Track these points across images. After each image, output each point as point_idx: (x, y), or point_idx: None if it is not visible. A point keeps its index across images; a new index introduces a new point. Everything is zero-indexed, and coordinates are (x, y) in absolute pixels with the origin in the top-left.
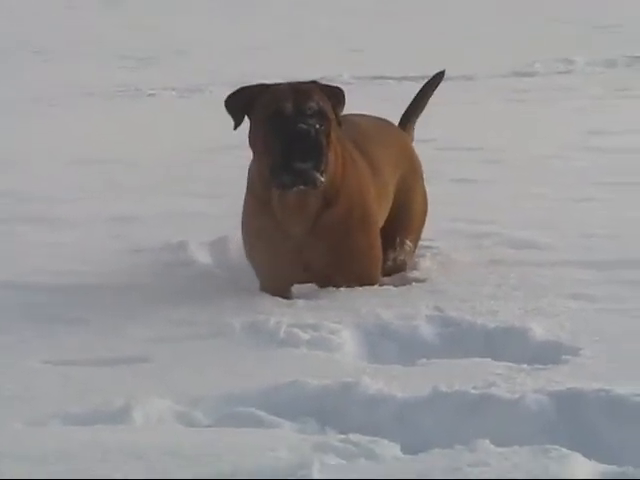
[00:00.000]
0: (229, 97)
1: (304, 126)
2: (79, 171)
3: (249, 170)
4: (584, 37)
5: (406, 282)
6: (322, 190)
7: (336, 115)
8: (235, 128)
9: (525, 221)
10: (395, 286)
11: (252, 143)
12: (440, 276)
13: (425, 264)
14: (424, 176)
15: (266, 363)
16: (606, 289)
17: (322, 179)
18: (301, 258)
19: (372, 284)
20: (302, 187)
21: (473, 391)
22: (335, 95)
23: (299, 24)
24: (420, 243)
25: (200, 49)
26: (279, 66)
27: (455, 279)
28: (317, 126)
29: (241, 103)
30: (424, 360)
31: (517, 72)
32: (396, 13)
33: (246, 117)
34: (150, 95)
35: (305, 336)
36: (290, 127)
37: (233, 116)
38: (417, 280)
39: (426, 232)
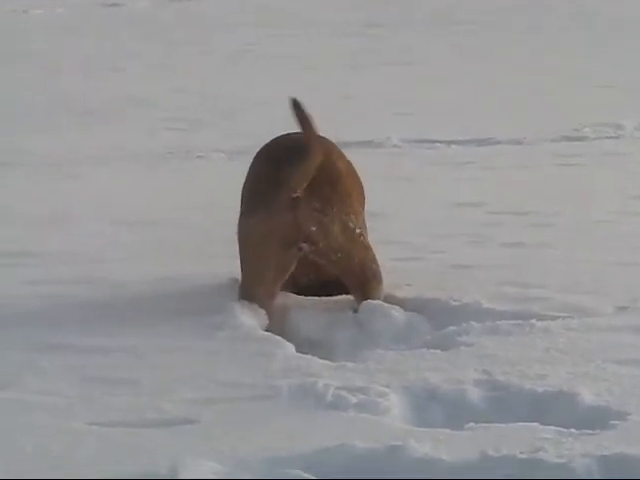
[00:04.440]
0: None
1: None
2: (125, 232)
3: None
4: (632, 102)
5: (454, 346)
6: None
7: None
8: None
9: (574, 285)
10: (443, 350)
11: None
12: (488, 340)
13: (473, 328)
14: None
15: (313, 426)
16: None
17: None
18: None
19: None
20: None
21: (521, 455)
22: None
23: (348, 86)
24: (469, 305)
25: (249, 111)
26: (327, 128)
27: (503, 343)
28: None
29: None
30: (472, 424)
31: (566, 136)
32: (444, 77)
33: None
34: (199, 157)
35: (353, 399)
36: None
37: None
38: (465, 344)
39: (475, 295)
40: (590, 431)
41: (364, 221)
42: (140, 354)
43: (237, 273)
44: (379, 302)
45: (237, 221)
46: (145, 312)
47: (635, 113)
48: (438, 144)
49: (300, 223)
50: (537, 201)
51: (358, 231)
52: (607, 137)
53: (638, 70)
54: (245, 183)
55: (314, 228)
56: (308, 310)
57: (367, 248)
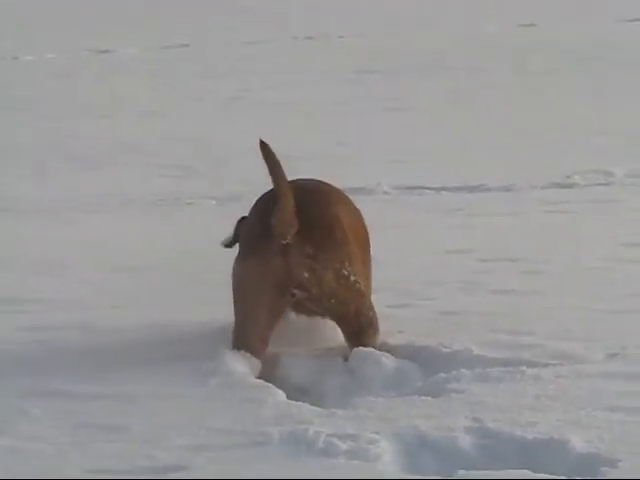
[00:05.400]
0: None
1: None
2: (117, 278)
3: None
4: (622, 148)
5: (445, 393)
6: None
7: None
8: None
9: (564, 332)
10: (434, 397)
11: None
12: (479, 387)
13: (464, 375)
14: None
15: (304, 473)
16: None
17: None
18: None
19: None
20: None
21: None
22: None
23: (340, 133)
24: (459, 352)
25: (241, 158)
26: (319, 173)
27: (494, 390)
28: None
29: None
30: (462, 471)
31: (556, 183)
32: (434, 123)
33: None
34: (189, 204)
35: (344, 446)
36: None
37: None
38: (456, 391)
39: (466, 342)
40: (581, 478)
41: (370, 268)
42: (132, 400)
43: (229, 320)
44: (370, 349)
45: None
46: (137, 358)
47: (625, 160)
48: (428, 191)
49: (291, 269)
50: (527, 248)
51: (353, 278)
52: (597, 184)
53: (630, 116)
54: (243, 231)
55: (306, 275)
56: (299, 357)
57: (363, 296)
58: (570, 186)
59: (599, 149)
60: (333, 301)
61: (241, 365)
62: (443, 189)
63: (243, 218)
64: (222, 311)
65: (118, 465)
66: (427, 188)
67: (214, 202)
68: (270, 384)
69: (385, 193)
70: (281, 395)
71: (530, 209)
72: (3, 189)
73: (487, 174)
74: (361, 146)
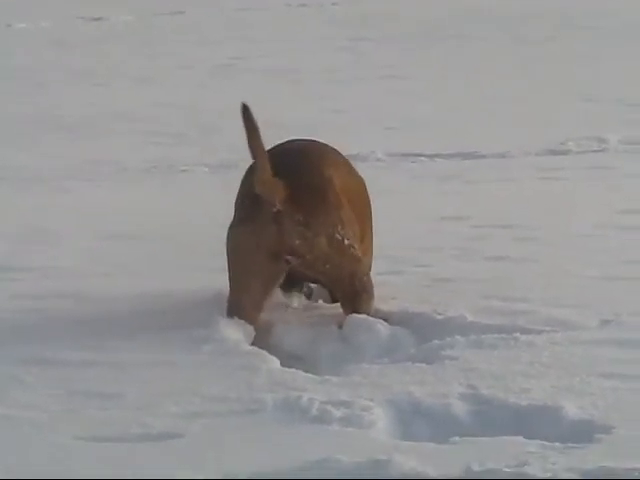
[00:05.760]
0: None
1: None
2: (110, 246)
3: None
4: (617, 115)
5: (439, 359)
6: None
7: None
8: None
9: (558, 299)
10: (428, 364)
11: None
12: (473, 354)
13: (458, 341)
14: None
15: (298, 440)
16: (639, 368)
17: None
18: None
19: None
20: None
21: (506, 469)
22: None
23: (333, 100)
24: (453, 319)
25: (233, 126)
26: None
27: (488, 357)
28: None
29: None
30: (457, 438)
31: (551, 150)
32: (429, 91)
33: None
34: (182, 171)
35: (337, 413)
36: None
37: None
38: (450, 358)
39: (460, 308)
40: (575, 445)
41: (371, 234)
42: (125, 368)
43: (222, 287)
44: (364, 316)
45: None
46: (130, 326)
47: (619, 126)
48: (422, 158)
49: (283, 236)
50: (521, 215)
51: (347, 242)
52: (591, 151)
53: (623, 83)
54: (236, 197)
55: (298, 241)
56: (293, 324)
57: (358, 260)
58: (564, 153)
59: (593, 116)
60: (327, 266)
61: (235, 332)
62: (437, 156)
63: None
64: (216, 279)
65: (111, 432)
66: (421, 155)
67: (207, 169)
68: (264, 351)
69: (379, 160)
70: (275, 362)
71: (524, 176)
72: None
73: (481, 141)
74: (355, 113)
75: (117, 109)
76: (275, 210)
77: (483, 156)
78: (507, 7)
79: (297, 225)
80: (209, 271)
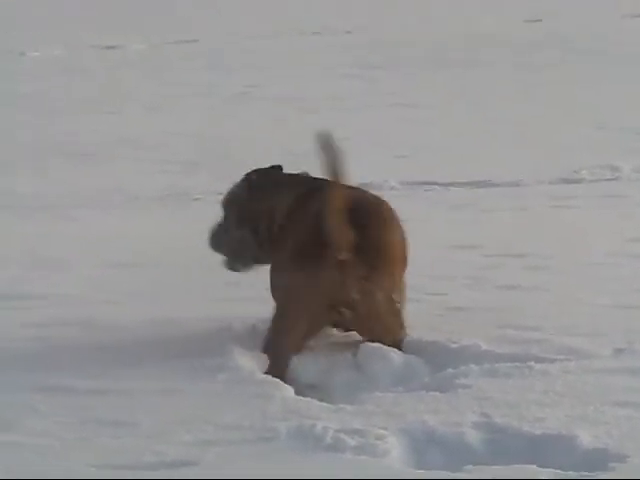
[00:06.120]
0: None
1: None
2: (122, 274)
3: None
4: (629, 143)
5: (453, 388)
6: None
7: None
8: None
9: (571, 328)
10: (442, 392)
11: None
12: (487, 382)
13: (472, 370)
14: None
15: (312, 468)
16: None
17: None
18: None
19: None
20: None
21: None
22: None
23: (345, 127)
24: (467, 348)
25: (246, 153)
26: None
27: (502, 385)
28: None
29: None
30: (470, 466)
31: (563, 178)
32: (439, 118)
33: None
34: (195, 200)
35: (351, 442)
36: None
37: None
38: (464, 386)
39: (473, 337)
40: (589, 474)
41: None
42: (138, 396)
43: (231, 315)
44: (378, 345)
45: (272, 270)
46: (143, 354)
47: (632, 155)
48: (436, 186)
49: (345, 287)
50: (534, 243)
51: (398, 307)
52: (604, 179)
53: (628, 109)
54: (284, 232)
55: (357, 296)
56: (307, 353)
57: (403, 327)
58: (577, 181)
59: (606, 144)
60: (377, 326)
61: (248, 361)
62: (451, 185)
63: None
64: (228, 308)
65: (125, 460)
66: (435, 183)
67: (220, 197)
68: (277, 380)
69: (393, 189)
70: (289, 390)
71: (537, 204)
72: (5, 185)
73: (494, 169)
74: (365, 141)
75: (128, 136)
76: (340, 259)
77: (496, 184)
78: (511, 33)
79: (359, 278)
80: (218, 300)
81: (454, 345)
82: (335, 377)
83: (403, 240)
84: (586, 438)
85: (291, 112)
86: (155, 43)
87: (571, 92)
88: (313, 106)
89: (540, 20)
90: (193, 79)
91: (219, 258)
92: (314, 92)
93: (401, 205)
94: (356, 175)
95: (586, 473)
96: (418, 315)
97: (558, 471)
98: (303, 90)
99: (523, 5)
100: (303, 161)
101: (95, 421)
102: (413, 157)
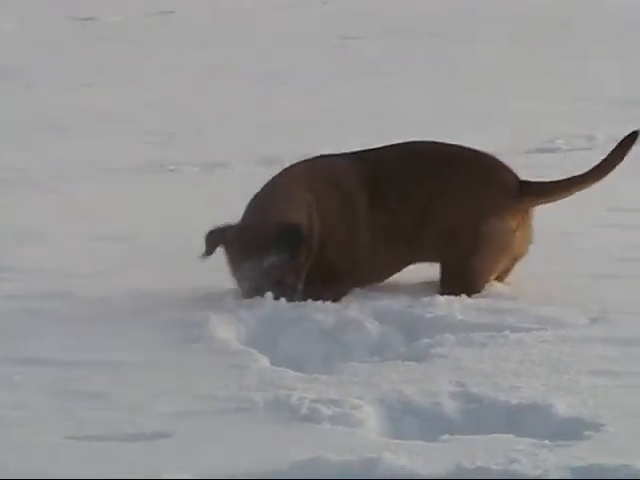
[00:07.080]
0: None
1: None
2: (101, 246)
3: None
4: (606, 113)
5: (428, 357)
6: None
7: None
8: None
9: (547, 297)
10: (417, 362)
11: None
12: (462, 352)
13: (448, 339)
14: None
15: (288, 439)
16: (628, 365)
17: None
18: None
19: None
20: None
21: (495, 467)
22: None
23: (330, 99)
24: (443, 317)
25: (225, 125)
26: (301, 141)
27: (477, 355)
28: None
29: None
30: (447, 436)
31: (539, 148)
32: (417, 89)
33: None
34: (172, 171)
35: (327, 412)
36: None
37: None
38: (439, 356)
39: (449, 307)
40: (564, 442)
41: None
42: (114, 368)
43: (212, 286)
44: (353, 315)
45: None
46: (118, 326)
47: (608, 124)
48: None
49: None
50: None
51: None
52: (580, 149)
53: (613, 81)
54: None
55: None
56: (283, 323)
57: None
58: (553, 151)
59: (583, 114)
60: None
61: (224, 331)
62: None
63: (212, 232)
64: (204, 279)
65: (102, 432)
66: None
67: (197, 169)
68: (253, 350)
69: None
70: (265, 361)
71: None
72: None
73: (470, 139)
74: (346, 112)
75: (106, 110)
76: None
77: None
78: (492, 6)
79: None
80: (197, 271)
81: (430, 314)
82: (311, 347)
83: None
84: (561, 407)
85: (268, 85)
86: (132, 15)
87: (549, 64)
88: (291, 79)
89: None
90: (169, 51)
91: (198, 228)
92: (292, 64)
93: None
94: (339, 144)
95: (561, 442)
96: (395, 285)
97: (534, 440)
98: (281, 62)
99: None
100: (284, 132)
101: (72, 393)
102: (392, 127)
